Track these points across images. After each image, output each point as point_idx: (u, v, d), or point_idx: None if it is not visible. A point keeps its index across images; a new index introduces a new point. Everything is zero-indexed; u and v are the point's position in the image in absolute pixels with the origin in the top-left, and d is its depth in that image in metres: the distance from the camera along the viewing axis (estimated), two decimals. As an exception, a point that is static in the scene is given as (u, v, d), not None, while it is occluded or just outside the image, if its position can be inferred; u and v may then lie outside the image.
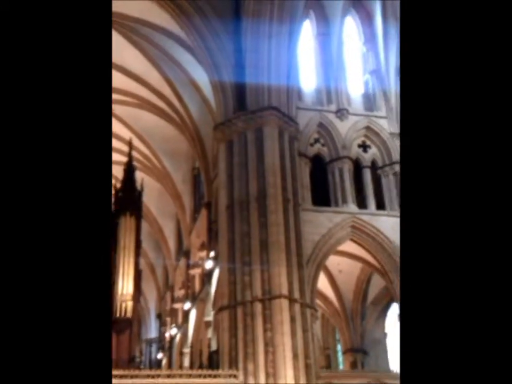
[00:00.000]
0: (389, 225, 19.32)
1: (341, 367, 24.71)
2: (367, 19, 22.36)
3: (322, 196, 19.54)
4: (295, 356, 15.19)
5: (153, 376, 15.30)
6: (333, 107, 20.84)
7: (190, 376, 15.55)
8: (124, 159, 24.28)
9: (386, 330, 23.55)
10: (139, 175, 24.89)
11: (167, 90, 24.16)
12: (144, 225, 25.84)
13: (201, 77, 21.12)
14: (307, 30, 22.08)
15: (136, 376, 15.15)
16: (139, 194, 23.14)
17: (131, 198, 22.49)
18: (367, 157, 20.81)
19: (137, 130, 27.43)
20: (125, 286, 20.73)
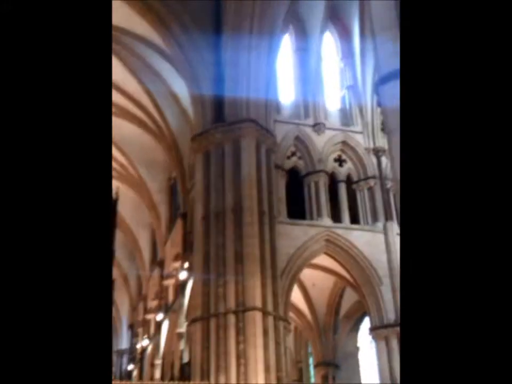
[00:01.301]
0: (362, 239, 19.55)
1: (312, 380, 24.75)
2: (345, 35, 22.72)
3: (298, 209, 19.68)
4: (267, 369, 15.15)
5: (123, 388, 15.13)
6: (310, 121, 21.07)
7: (161, 388, 15.42)
8: (100, 167, 24.05)
9: (359, 344, 23.66)
10: (115, 184, 24.71)
11: (145, 100, 24.11)
12: (119, 234, 25.65)
13: (180, 88, 21.14)
14: (286, 45, 22.34)
15: (106, 387, 14.94)
16: (114, 203, 22.96)
17: (106, 206, 22.27)
18: (342, 171, 21.05)
19: (114, 139, 27.25)
20: (97, 295, 20.46)
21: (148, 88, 23.53)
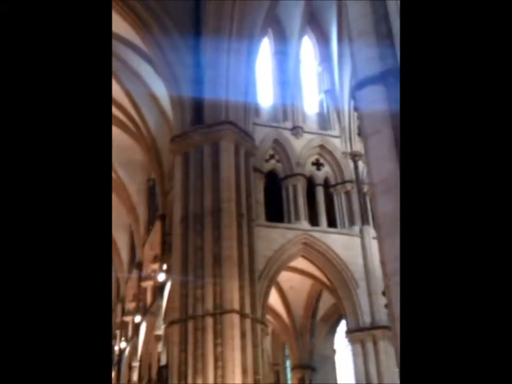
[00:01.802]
0: (339, 242, 19.71)
1: (289, 383, 24.82)
2: (323, 40, 22.91)
3: (276, 211, 19.76)
4: (244, 372, 15.15)
5: (100, 390, 15.00)
6: (289, 124, 21.19)
7: (137, 390, 15.36)
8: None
9: (335, 347, 23.78)
10: (92, 185, 24.52)
11: (124, 100, 24.00)
12: (96, 236, 25.39)
13: (160, 89, 21.11)
14: (265, 48, 22.43)
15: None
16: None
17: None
18: (320, 175, 21.20)
19: (93, 140, 27.08)
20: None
21: (127, 89, 23.44)
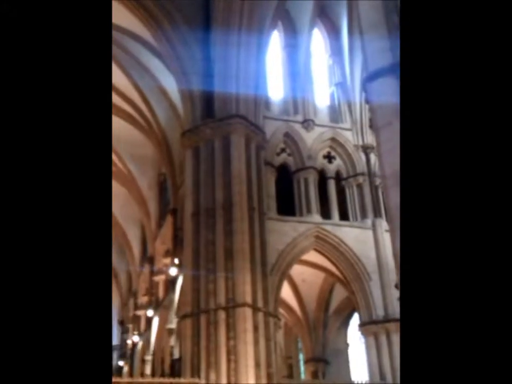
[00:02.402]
0: (351, 235, 19.63)
1: (302, 376, 24.83)
2: (333, 32, 22.75)
3: (287, 205, 19.71)
4: (257, 365, 15.18)
5: (114, 384, 15.10)
6: (300, 117, 21.09)
7: (151, 384, 15.42)
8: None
9: (348, 340, 23.75)
10: (104, 180, 24.59)
11: (135, 95, 24.02)
12: (108, 231, 25.50)
13: (170, 84, 21.09)
14: (275, 41, 22.33)
15: (96, 384, 14.90)
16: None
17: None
18: (331, 168, 21.10)
19: (104, 135, 27.14)
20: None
21: (137, 84, 23.45)
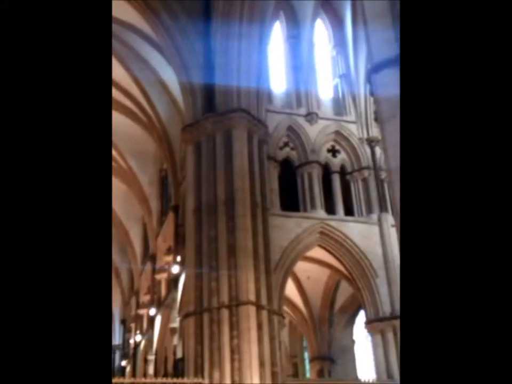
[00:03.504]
0: (357, 231, 19.28)
1: (308, 375, 24.53)
2: (337, 22, 22.34)
3: (291, 200, 19.36)
4: (261, 364, 14.95)
5: (116, 385, 14.82)
6: (303, 110, 20.72)
7: (154, 384, 15.15)
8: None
9: (354, 337, 23.44)
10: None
11: (134, 90, 23.68)
12: (109, 229, 25.19)
13: (170, 77, 20.76)
14: (277, 33, 21.98)
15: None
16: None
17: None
18: (336, 162, 20.72)
19: (103, 131, 26.79)
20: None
21: (136, 77, 23.10)
